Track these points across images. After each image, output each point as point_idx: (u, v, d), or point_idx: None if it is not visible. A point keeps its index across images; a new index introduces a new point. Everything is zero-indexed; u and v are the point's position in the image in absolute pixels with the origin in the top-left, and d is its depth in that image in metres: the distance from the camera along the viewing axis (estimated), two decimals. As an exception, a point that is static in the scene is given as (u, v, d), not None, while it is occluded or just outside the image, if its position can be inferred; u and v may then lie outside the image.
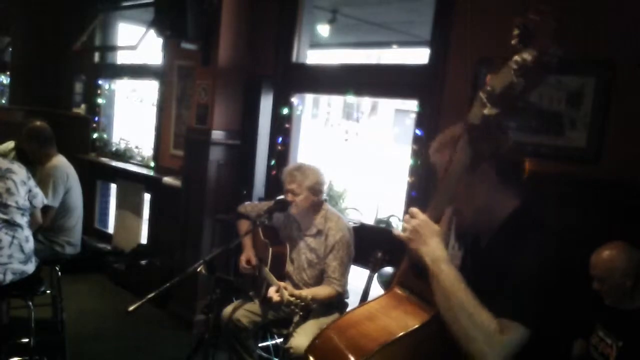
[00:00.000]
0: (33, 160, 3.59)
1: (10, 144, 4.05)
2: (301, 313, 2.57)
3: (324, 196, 2.99)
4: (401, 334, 1.35)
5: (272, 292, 2.72)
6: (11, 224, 2.82)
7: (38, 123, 3.68)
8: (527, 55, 1.19)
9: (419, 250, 1.38)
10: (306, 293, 2.68)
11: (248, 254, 3.08)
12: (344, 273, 2.86)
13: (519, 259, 1.32)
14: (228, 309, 2.97)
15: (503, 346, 1.22)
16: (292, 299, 2.55)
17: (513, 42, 1.22)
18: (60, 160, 3.63)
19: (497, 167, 1.41)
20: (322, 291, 2.80)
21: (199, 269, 2.40)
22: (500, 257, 1.36)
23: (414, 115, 3.42)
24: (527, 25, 1.19)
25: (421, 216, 1.41)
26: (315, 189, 2.88)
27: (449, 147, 1.44)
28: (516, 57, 1.20)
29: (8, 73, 6.65)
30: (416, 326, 1.36)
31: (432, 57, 3.13)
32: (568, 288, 1.38)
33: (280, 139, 3.95)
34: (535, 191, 1.54)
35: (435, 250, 1.36)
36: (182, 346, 3.53)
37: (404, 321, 1.39)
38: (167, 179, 4.49)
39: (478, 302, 1.26)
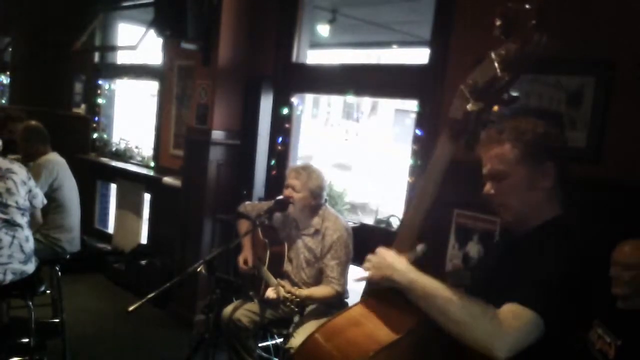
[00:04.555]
0: (25, 157, 3.62)
1: None
2: (296, 309, 2.60)
3: (323, 200, 2.99)
4: (389, 342, 1.32)
5: (269, 291, 2.74)
6: (11, 224, 2.82)
7: (33, 122, 3.73)
8: (510, 46, 1.15)
9: (391, 278, 1.37)
10: (303, 291, 2.71)
11: (246, 254, 3.08)
12: (343, 272, 2.86)
13: (547, 258, 1.30)
14: (228, 309, 2.98)
15: (511, 330, 1.18)
16: (288, 295, 2.58)
17: (495, 33, 1.18)
18: (50, 157, 3.64)
19: (560, 170, 1.40)
20: (320, 291, 2.81)
21: (199, 269, 2.40)
22: (530, 256, 1.34)
23: (414, 115, 3.42)
24: (508, 14, 1.16)
25: (378, 249, 1.44)
26: (316, 193, 2.89)
27: (511, 139, 1.42)
28: (499, 50, 1.17)
29: (8, 73, 6.65)
30: (403, 333, 1.33)
31: (432, 57, 3.13)
32: (586, 294, 1.36)
33: (280, 139, 3.95)
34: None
35: (399, 265, 1.36)
36: (182, 346, 3.53)
37: (389, 328, 1.36)
38: (167, 179, 4.49)
39: (464, 294, 1.25)
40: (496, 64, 1.16)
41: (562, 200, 1.46)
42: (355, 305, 1.52)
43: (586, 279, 1.33)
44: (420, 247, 1.47)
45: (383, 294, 1.43)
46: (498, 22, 1.16)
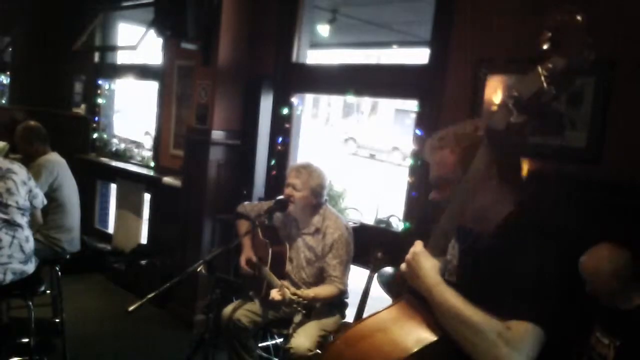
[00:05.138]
0: (25, 158, 3.62)
1: (1, 144, 4.09)
2: (304, 311, 2.56)
3: (324, 199, 2.99)
4: (415, 349, 1.29)
5: (273, 292, 2.72)
6: (11, 224, 2.82)
7: (32, 123, 3.74)
8: (558, 61, 1.13)
9: (415, 286, 1.39)
10: (309, 292, 2.69)
11: (247, 255, 3.08)
12: (345, 271, 2.86)
13: (521, 260, 1.30)
14: (228, 309, 2.97)
15: (517, 346, 1.18)
16: (294, 297, 2.55)
17: (544, 46, 1.16)
18: (51, 156, 3.65)
19: (498, 168, 1.39)
20: (325, 290, 2.80)
21: (199, 269, 2.40)
22: (501, 258, 1.34)
23: (414, 115, 3.42)
24: (558, 27, 1.14)
25: (417, 248, 1.41)
26: (317, 191, 2.89)
27: (450, 144, 1.45)
28: (547, 63, 1.15)
29: (8, 73, 6.65)
30: (431, 341, 1.30)
31: (432, 57, 3.13)
32: (571, 287, 1.37)
33: (280, 139, 3.95)
34: (534, 192, 1.52)
35: (426, 278, 1.35)
36: (182, 346, 3.53)
37: (418, 335, 1.33)
38: (167, 179, 4.49)
39: (482, 313, 1.23)
40: (543, 78, 1.14)
41: (514, 192, 1.44)
42: (387, 308, 1.49)
43: (565, 269, 1.34)
44: (443, 260, 1.46)
45: (418, 297, 1.41)
46: (548, 34, 1.15)
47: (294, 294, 2.57)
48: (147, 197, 5.16)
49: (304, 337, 2.66)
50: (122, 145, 5.75)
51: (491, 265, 1.38)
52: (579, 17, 1.14)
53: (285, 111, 3.90)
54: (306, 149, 4.42)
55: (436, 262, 1.38)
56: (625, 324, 1.98)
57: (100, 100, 5.83)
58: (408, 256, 1.42)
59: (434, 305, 1.32)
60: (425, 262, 1.38)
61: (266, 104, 4.00)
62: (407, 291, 1.47)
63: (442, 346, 1.28)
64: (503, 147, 1.33)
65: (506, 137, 1.26)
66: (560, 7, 1.15)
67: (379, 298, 2.44)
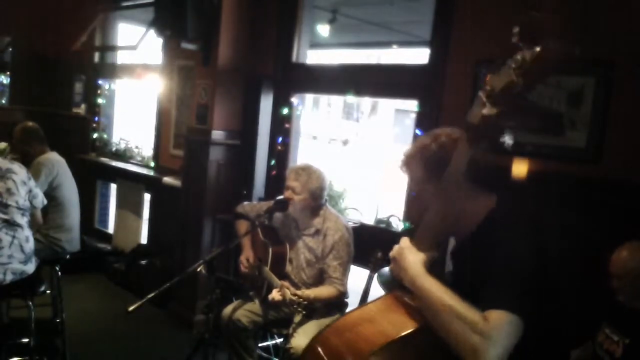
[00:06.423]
0: (24, 158, 3.63)
1: (2, 145, 4.10)
2: (304, 312, 2.54)
3: (323, 200, 2.99)
4: (397, 336, 1.35)
5: (274, 292, 2.72)
6: (11, 224, 2.82)
7: (29, 123, 3.76)
8: (526, 53, 1.17)
9: (401, 279, 1.43)
10: (309, 292, 2.68)
11: (247, 254, 3.08)
12: (345, 272, 2.86)
13: (497, 252, 1.33)
14: (228, 309, 2.97)
15: (492, 336, 1.18)
16: (294, 297, 2.55)
17: (514, 39, 1.20)
18: (50, 155, 3.66)
19: (466, 172, 1.41)
20: (325, 291, 2.80)
21: (199, 269, 2.40)
22: (482, 257, 1.36)
23: (414, 115, 3.42)
24: (528, 22, 1.17)
25: (403, 243, 1.45)
26: (316, 194, 2.88)
27: (416, 157, 1.52)
28: (516, 55, 1.18)
29: (8, 73, 6.65)
30: (412, 329, 1.35)
31: (432, 57, 3.13)
32: (554, 277, 1.38)
33: (280, 139, 3.95)
34: (510, 187, 1.53)
35: (409, 269, 1.38)
36: (182, 346, 3.53)
37: (401, 324, 1.38)
38: (167, 179, 4.49)
39: (465, 304, 1.25)
40: (512, 70, 1.17)
41: (489, 192, 1.46)
42: (375, 300, 1.54)
43: (542, 261, 1.35)
44: (432, 254, 1.46)
45: (407, 291, 1.45)
46: (516, 29, 1.17)
47: (294, 294, 2.56)
48: (147, 197, 5.16)
49: (304, 337, 2.65)
50: (122, 145, 5.74)
51: (475, 264, 1.39)
52: (549, 13, 1.16)
53: (285, 111, 3.91)
54: (306, 149, 4.42)
55: (422, 255, 1.41)
56: (635, 322, 1.97)
57: (100, 100, 5.83)
58: (393, 252, 1.46)
59: (418, 296, 1.35)
60: (409, 255, 1.41)
61: (266, 104, 3.99)
62: (397, 286, 1.50)
63: (423, 334, 1.32)
64: (480, 142, 1.33)
65: (482, 130, 1.27)
66: (534, 4, 1.17)
67: (379, 298, 2.44)
